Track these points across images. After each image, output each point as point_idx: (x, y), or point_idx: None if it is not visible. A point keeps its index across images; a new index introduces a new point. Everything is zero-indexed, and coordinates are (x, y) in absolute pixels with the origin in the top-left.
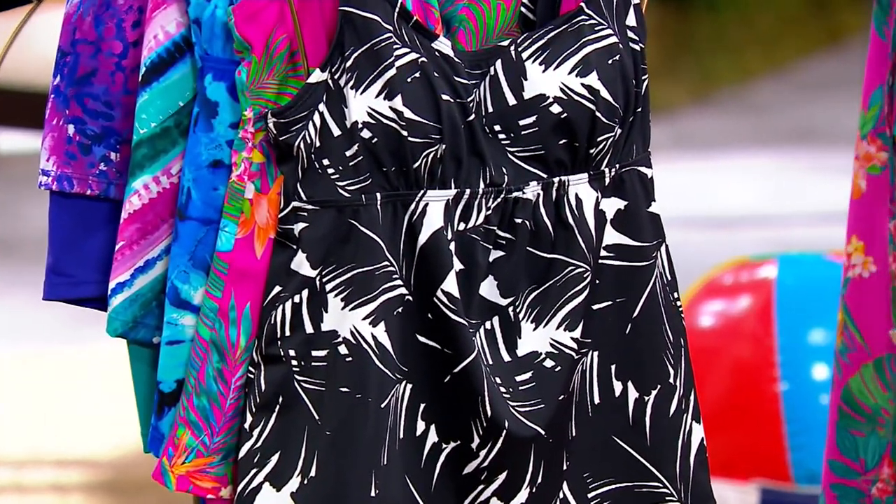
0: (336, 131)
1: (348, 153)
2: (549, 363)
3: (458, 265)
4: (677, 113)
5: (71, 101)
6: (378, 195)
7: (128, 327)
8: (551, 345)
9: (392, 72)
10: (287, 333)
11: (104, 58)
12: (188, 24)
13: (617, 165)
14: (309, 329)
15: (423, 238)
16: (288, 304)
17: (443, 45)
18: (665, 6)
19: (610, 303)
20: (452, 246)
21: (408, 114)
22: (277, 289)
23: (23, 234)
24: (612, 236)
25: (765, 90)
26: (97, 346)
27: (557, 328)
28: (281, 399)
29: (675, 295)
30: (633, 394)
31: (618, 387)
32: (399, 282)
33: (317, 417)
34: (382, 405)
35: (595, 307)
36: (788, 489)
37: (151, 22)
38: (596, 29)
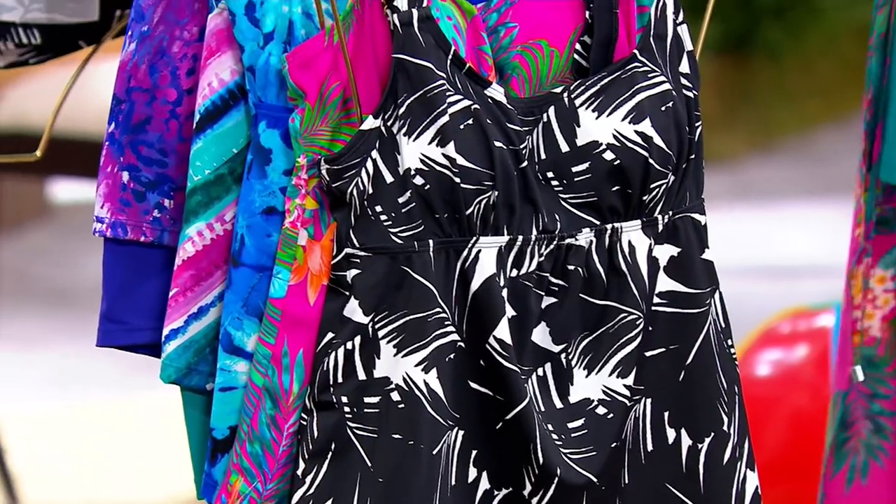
0: (389, 178)
1: (401, 200)
2: (601, 410)
3: (510, 312)
4: (738, 162)
5: (126, 148)
6: (430, 242)
7: (181, 374)
8: (604, 392)
9: (445, 119)
10: (340, 380)
11: (159, 105)
12: (242, 71)
13: (670, 212)
14: (361, 375)
15: (475, 285)
16: (340, 351)
17: (496, 92)
18: (725, 56)
19: (663, 350)
20: (505, 293)
21: (460, 160)
22: (330, 335)
23: (78, 283)
24: (665, 283)
25: (826, 139)
26: (151, 393)
27: (610, 375)
28: (334, 446)
29: (730, 342)
30: (686, 441)
31: (671, 434)
32: (451, 328)
33: (369, 464)
34: (434, 452)
35: (648, 354)
36: None
37: (206, 69)
38: (649, 76)
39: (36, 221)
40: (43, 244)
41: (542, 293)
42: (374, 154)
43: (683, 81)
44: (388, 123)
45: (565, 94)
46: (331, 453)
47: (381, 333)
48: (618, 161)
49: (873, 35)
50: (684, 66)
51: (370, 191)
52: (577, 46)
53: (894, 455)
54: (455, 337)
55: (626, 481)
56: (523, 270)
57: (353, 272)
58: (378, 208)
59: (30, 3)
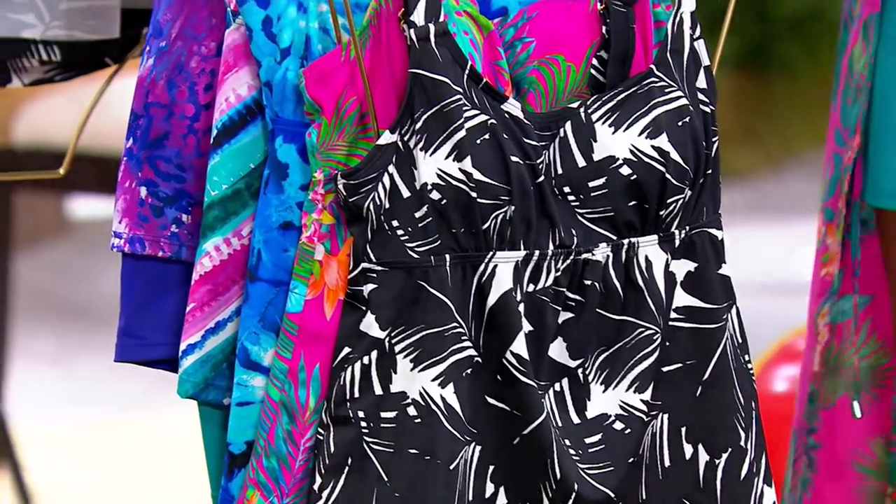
0: (405, 193)
1: (418, 215)
2: (618, 425)
3: (527, 327)
4: (755, 177)
5: (143, 163)
6: (447, 257)
7: (198, 389)
8: (621, 407)
9: (461, 133)
10: (356, 395)
11: (177, 121)
12: (259, 86)
13: (687, 227)
14: (378, 390)
15: (492, 299)
16: (357, 366)
17: (512, 106)
18: (742, 70)
19: (680, 365)
20: (522, 307)
21: (477, 175)
22: (347, 350)
23: (96, 298)
24: (682, 298)
25: None
26: (168, 409)
27: (627, 390)
28: (350, 461)
29: (746, 357)
30: (703, 457)
31: (688, 450)
32: (468, 343)
33: (386, 479)
34: (451, 467)
35: (665, 369)
36: None
37: (223, 85)
38: (666, 91)
39: (53, 237)
40: (61, 259)
41: (559, 308)
42: (391, 169)
43: (700, 96)
44: (405, 138)
45: (582, 109)
46: (347, 468)
47: (397, 348)
48: (634, 176)
49: (853, 77)
50: (701, 81)
51: (387, 206)
52: (594, 61)
53: (819, 487)
54: (472, 352)
55: (644, 497)
56: (540, 285)
57: (370, 287)
58: (395, 223)
59: (50, 21)
